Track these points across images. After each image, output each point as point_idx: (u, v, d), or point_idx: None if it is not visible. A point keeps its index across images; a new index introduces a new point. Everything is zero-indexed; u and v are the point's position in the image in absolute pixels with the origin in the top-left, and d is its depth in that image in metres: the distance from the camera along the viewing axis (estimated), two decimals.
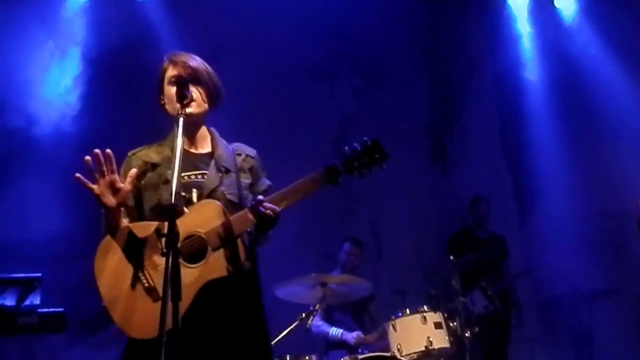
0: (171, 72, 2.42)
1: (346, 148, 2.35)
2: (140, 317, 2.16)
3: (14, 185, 5.30)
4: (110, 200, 2.17)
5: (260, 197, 2.27)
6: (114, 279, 2.21)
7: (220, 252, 2.21)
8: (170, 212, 1.93)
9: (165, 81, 2.43)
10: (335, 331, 4.76)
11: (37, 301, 3.13)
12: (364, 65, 6.97)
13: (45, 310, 3.16)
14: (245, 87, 6.04)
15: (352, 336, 4.66)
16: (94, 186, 2.16)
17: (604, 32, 6.45)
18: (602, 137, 6.37)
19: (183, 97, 2.23)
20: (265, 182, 2.54)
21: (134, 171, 2.26)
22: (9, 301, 3.05)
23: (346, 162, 2.32)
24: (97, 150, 2.15)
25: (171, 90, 2.36)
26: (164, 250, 1.86)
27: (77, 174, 2.15)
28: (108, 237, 2.26)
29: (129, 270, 2.20)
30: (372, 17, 6.58)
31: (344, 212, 6.51)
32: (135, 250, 2.22)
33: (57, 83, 5.70)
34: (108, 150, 2.18)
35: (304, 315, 4.30)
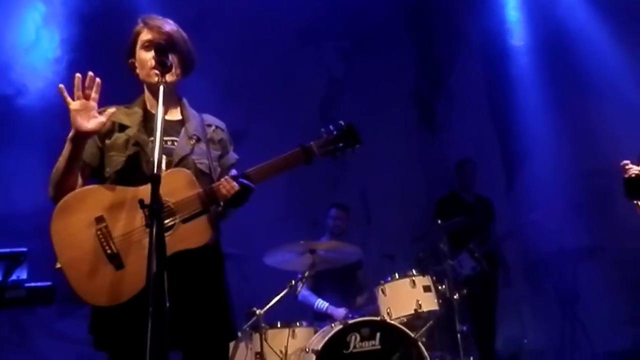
0: (145, 36, 2.37)
1: (322, 130, 2.42)
2: (99, 283, 2.12)
3: None
4: (84, 124, 2.13)
5: (234, 171, 2.27)
6: (72, 240, 2.14)
7: (191, 223, 2.19)
8: (153, 182, 1.91)
9: (139, 45, 2.38)
10: (320, 303, 4.79)
11: (24, 276, 3.11)
12: (351, 30, 6.89)
13: (33, 284, 3.14)
14: (232, 51, 5.97)
15: (339, 313, 4.66)
16: (72, 101, 2.13)
17: None
18: (588, 98, 6.36)
19: (163, 65, 2.19)
20: (234, 156, 2.53)
21: (111, 110, 2.22)
22: None
23: (322, 145, 2.38)
24: (90, 73, 2.15)
25: (144, 55, 2.34)
26: (148, 221, 1.84)
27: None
28: (71, 195, 2.19)
29: (89, 232, 2.14)
30: None
31: (332, 178, 6.51)
32: (98, 211, 2.17)
33: (42, 52, 5.56)
34: (97, 79, 2.17)
35: (293, 282, 4.32)
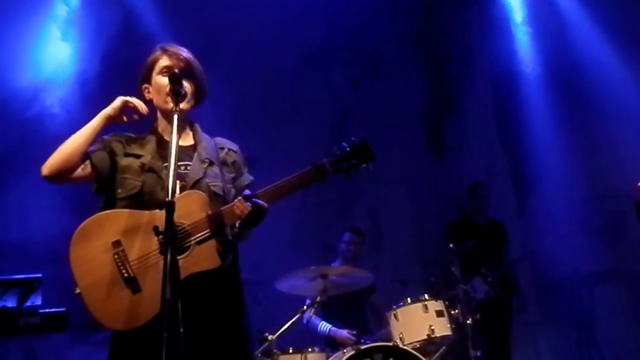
0: (164, 62, 2.42)
1: (335, 147, 2.38)
2: (117, 307, 2.13)
3: (15, 185, 5.29)
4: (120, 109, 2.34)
5: (248, 191, 2.27)
6: (90, 265, 2.16)
7: (205, 244, 2.20)
8: (168, 209, 1.93)
9: (156, 70, 2.43)
10: (324, 326, 4.75)
11: (38, 302, 3.12)
12: (360, 54, 6.96)
13: (47, 310, 3.16)
14: (242, 78, 6.05)
15: (341, 334, 4.60)
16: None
17: (599, 14, 6.42)
18: (598, 119, 6.36)
19: (177, 94, 2.23)
20: (248, 177, 2.54)
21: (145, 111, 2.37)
22: (10, 302, 3.04)
23: (334, 162, 2.34)
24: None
25: (161, 80, 2.39)
26: (162, 248, 1.86)
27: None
28: (88, 221, 2.22)
29: (106, 257, 2.16)
30: (368, 6, 6.57)
31: (343, 202, 6.52)
32: (116, 235, 2.19)
33: (62, 79, 5.68)
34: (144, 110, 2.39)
35: (305, 307, 4.31)
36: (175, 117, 2.18)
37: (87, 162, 2.33)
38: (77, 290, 2.17)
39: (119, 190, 2.32)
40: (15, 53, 5.47)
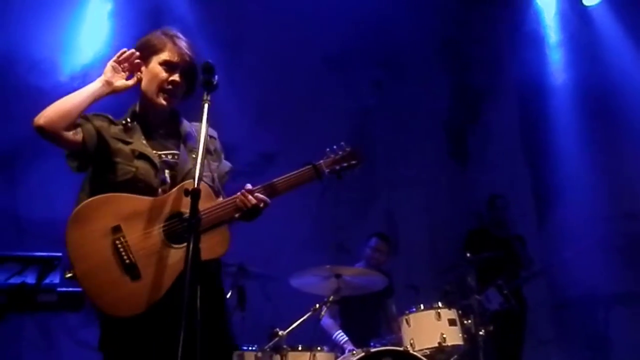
0: (169, 55, 2.38)
1: (327, 150, 2.52)
2: (116, 294, 2.12)
3: (41, 164, 5.36)
4: (112, 77, 2.34)
5: (249, 185, 2.29)
6: (88, 249, 2.14)
7: (209, 234, 2.20)
8: (193, 196, 1.95)
9: (158, 59, 2.38)
10: (339, 336, 4.72)
11: (56, 280, 3.16)
12: (384, 58, 6.94)
13: (65, 289, 3.20)
14: (266, 75, 6.06)
15: (349, 350, 4.54)
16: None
17: (633, 30, 6.34)
18: (625, 138, 6.29)
19: (209, 84, 2.22)
20: (227, 164, 2.55)
21: (138, 76, 2.37)
22: (30, 279, 3.08)
23: (329, 164, 2.48)
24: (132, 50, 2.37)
25: (159, 71, 2.36)
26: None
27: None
28: (86, 204, 2.21)
29: (105, 242, 2.14)
30: (395, 9, 6.55)
31: (360, 203, 6.50)
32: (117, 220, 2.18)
33: (81, 65, 5.74)
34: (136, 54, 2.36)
35: (317, 306, 4.31)
36: (206, 106, 2.18)
37: (78, 129, 2.29)
38: (69, 274, 2.15)
39: (111, 175, 2.29)
40: (47, 33, 5.53)
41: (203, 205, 2.18)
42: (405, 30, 6.71)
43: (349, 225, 6.17)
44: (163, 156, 2.34)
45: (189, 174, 2.30)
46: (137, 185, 2.26)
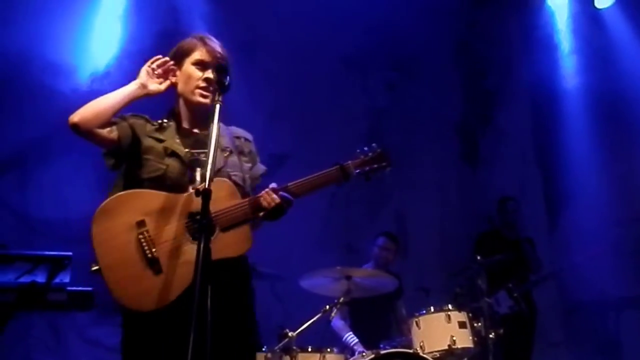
0: (201, 55, 2.44)
1: (357, 151, 2.49)
2: (138, 288, 2.13)
3: (52, 162, 5.39)
4: (147, 81, 2.38)
5: (274, 184, 2.29)
6: (113, 243, 2.16)
7: (228, 233, 2.21)
8: (204, 197, 1.95)
9: (191, 59, 2.44)
10: (350, 337, 4.71)
11: (66, 279, 3.15)
12: (398, 60, 6.93)
13: (75, 288, 3.19)
14: (280, 75, 6.07)
15: (360, 352, 4.53)
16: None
17: None
18: (636, 142, 6.23)
19: (222, 85, 2.25)
20: (262, 167, 2.57)
21: (173, 79, 2.41)
22: (40, 277, 3.08)
23: (357, 165, 2.45)
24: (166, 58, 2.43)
25: (193, 72, 2.41)
26: (193, 232, 1.88)
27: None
28: (112, 199, 2.23)
29: (130, 236, 2.17)
30: (408, 11, 6.53)
31: (371, 205, 6.49)
32: (140, 216, 2.20)
33: (95, 66, 5.76)
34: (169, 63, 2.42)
35: (327, 307, 4.30)
36: (217, 107, 2.20)
37: (114, 127, 2.34)
38: (95, 267, 2.16)
39: (141, 172, 2.33)
40: (60, 34, 5.56)
41: (226, 203, 2.22)
42: (419, 33, 6.70)
43: (360, 227, 6.16)
44: (195, 154, 2.36)
45: (218, 173, 2.33)
46: (165, 183, 2.29)
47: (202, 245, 1.84)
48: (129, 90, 2.36)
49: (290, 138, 5.94)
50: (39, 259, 3.12)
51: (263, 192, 2.27)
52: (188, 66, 2.43)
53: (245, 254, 2.36)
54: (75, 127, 2.28)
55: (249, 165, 2.49)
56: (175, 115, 2.48)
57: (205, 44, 2.45)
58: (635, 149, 6.23)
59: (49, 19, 5.48)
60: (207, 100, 2.38)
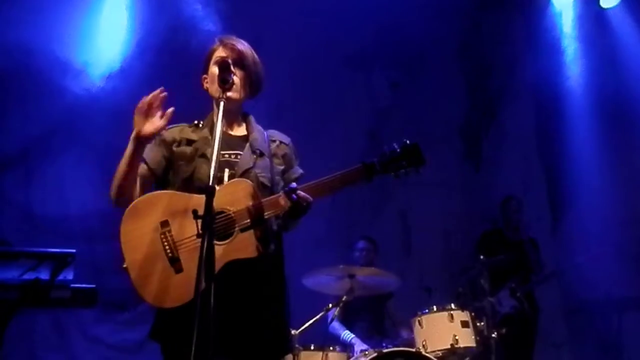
0: (220, 53, 2.47)
1: (385, 147, 2.35)
2: (158, 285, 2.19)
3: (55, 159, 5.40)
4: (142, 125, 2.21)
5: (294, 184, 2.28)
6: (138, 241, 2.23)
7: (248, 232, 2.22)
8: (208, 194, 1.96)
9: (212, 61, 2.48)
10: (347, 335, 4.72)
11: (70, 276, 3.18)
12: (402, 58, 6.92)
13: (78, 285, 3.22)
14: (282, 75, 6.05)
15: (360, 345, 4.57)
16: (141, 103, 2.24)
17: None
18: None
19: (225, 81, 2.27)
20: (298, 171, 2.56)
21: (170, 110, 2.28)
22: (44, 275, 3.10)
23: (384, 163, 2.32)
24: (161, 89, 2.28)
25: (215, 71, 2.42)
26: (200, 232, 1.90)
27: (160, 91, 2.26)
28: (140, 200, 2.28)
29: (154, 236, 2.23)
30: (413, 10, 6.52)
31: (374, 205, 6.49)
32: (163, 215, 2.24)
33: (97, 65, 5.76)
34: (164, 94, 2.27)
35: (330, 305, 4.30)
36: (221, 104, 2.22)
37: (142, 164, 2.36)
38: (125, 264, 2.23)
39: (174, 177, 2.40)
40: (66, 31, 5.56)
41: (245, 203, 2.23)
42: (424, 32, 6.69)
43: (363, 226, 6.16)
44: (226, 156, 2.38)
45: (246, 173, 2.35)
46: (194, 184, 2.32)
47: (204, 243, 1.84)
48: (129, 149, 2.29)
49: (294, 137, 5.92)
50: (42, 256, 3.14)
51: (281, 192, 2.27)
52: (212, 67, 2.46)
53: (277, 254, 2.38)
54: (118, 206, 2.32)
55: (281, 167, 2.49)
56: (210, 118, 2.50)
57: (222, 42, 2.49)
58: (638, 148, 6.21)
59: (51, 14, 5.49)
60: (227, 94, 2.31)
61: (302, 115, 6.18)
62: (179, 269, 2.20)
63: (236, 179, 2.30)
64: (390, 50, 6.81)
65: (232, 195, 2.20)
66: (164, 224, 2.24)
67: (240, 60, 2.43)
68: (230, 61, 2.35)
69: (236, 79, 2.39)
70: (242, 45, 2.49)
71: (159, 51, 5.66)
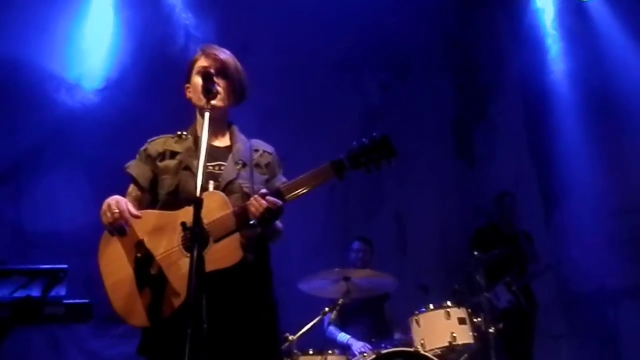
0: (202, 62, 2.46)
1: (354, 143, 2.27)
2: (138, 305, 2.19)
3: (45, 174, 5.36)
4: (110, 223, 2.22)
5: (263, 190, 2.26)
6: (116, 264, 2.24)
7: (222, 243, 2.21)
8: (195, 206, 1.95)
9: (194, 70, 2.47)
10: (342, 337, 4.71)
11: (62, 292, 3.14)
12: (390, 59, 6.93)
13: (71, 301, 3.18)
14: (272, 80, 6.06)
15: (357, 345, 4.57)
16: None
17: (632, 25, 6.31)
18: (629, 133, 6.25)
19: (209, 91, 2.27)
20: (281, 179, 2.54)
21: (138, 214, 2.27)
22: (35, 292, 3.07)
23: (352, 157, 2.24)
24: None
25: (197, 80, 2.42)
26: (187, 244, 1.88)
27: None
28: None
29: (131, 256, 2.24)
30: (400, 11, 6.54)
31: (369, 206, 6.49)
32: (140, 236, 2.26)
33: (88, 79, 5.74)
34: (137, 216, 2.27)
35: (326, 309, 4.30)
36: (206, 114, 2.21)
37: (135, 188, 2.41)
38: (106, 289, 2.26)
39: (160, 191, 2.40)
40: (52, 44, 5.53)
41: (218, 213, 2.21)
42: (411, 32, 6.71)
43: (358, 228, 6.15)
44: (210, 167, 2.35)
45: (230, 185, 2.34)
46: (179, 197, 2.32)
47: (194, 255, 1.83)
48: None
49: (286, 140, 5.87)
50: (34, 273, 3.10)
51: (251, 199, 2.24)
52: (194, 77, 2.45)
53: (260, 263, 2.35)
54: None
55: (265, 177, 2.48)
56: (193, 129, 2.50)
57: (204, 51, 2.49)
58: (626, 139, 6.25)
59: (39, 26, 5.46)
60: (212, 103, 2.31)
61: (293, 119, 6.18)
62: (155, 287, 2.20)
63: (208, 192, 2.26)
64: (379, 51, 6.82)
65: (205, 208, 2.13)
66: (139, 243, 2.25)
67: (223, 69, 2.43)
68: (213, 71, 2.35)
69: (220, 88, 2.38)
70: (224, 54, 2.49)
71: (150, 63, 5.65)
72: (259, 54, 6.08)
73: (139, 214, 2.26)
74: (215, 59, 2.44)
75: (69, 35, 5.65)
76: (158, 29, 5.86)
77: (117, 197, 2.30)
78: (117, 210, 2.21)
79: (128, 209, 2.23)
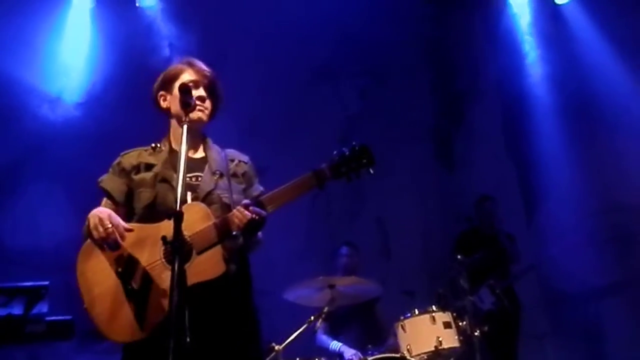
0: (190, 76, 2.47)
1: (334, 152, 2.34)
2: (120, 320, 2.17)
3: (25, 190, 5.30)
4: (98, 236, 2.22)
5: (246, 201, 2.27)
6: (95, 279, 2.22)
7: (205, 256, 2.20)
8: (176, 219, 1.94)
9: (179, 82, 2.44)
10: (334, 345, 4.70)
11: (44, 309, 3.12)
12: (368, 66, 6.96)
13: (54, 318, 3.15)
14: (251, 89, 6.06)
15: (349, 352, 4.56)
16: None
17: (606, 28, 6.41)
18: (606, 134, 6.34)
19: (187, 105, 2.27)
20: (259, 188, 2.55)
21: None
22: (17, 310, 3.04)
23: (334, 167, 2.30)
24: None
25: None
26: (169, 257, 1.87)
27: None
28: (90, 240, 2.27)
29: (110, 272, 2.22)
30: (376, 17, 6.58)
31: (351, 213, 6.50)
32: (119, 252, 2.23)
33: (65, 91, 5.69)
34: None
35: (312, 318, 4.29)
36: (185, 127, 2.21)
37: (109, 202, 2.39)
38: (85, 306, 2.23)
39: (136, 205, 2.38)
40: (29, 57, 5.48)
41: (200, 225, 2.21)
42: (388, 39, 6.75)
43: (341, 235, 6.15)
44: (187, 179, 2.34)
45: (209, 196, 2.34)
46: (157, 209, 2.31)
47: (176, 268, 1.82)
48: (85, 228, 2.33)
49: (267, 150, 5.91)
50: (14, 291, 3.09)
51: (234, 210, 2.24)
52: (177, 88, 2.43)
53: (241, 273, 2.34)
54: None
55: (242, 186, 2.48)
56: (168, 139, 2.50)
57: (191, 65, 2.50)
58: (603, 140, 6.33)
59: (17, 38, 5.42)
60: (200, 116, 2.40)
61: (273, 127, 6.18)
62: (137, 302, 2.18)
63: (189, 204, 2.27)
64: (356, 58, 6.85)
65: (187, 220, 2.12)
66: (119, 258, 2.22)
67: (211, 85, 2.47)
68: (202, 87, 2.41)
69: (208, 104, 2.42)
70: (211, 72, 2.52)
71: (133, 75, 5.61)
72: (237, 61, 6.09)
73: (132, 228, 2.25)
74: (205, 75, 2.47)
75: (48, 49, 5.61)
76: (138, 40, 5.84)
77: (106, 210, 2.29)
78: (109, 225, 2.19)
79: (121, 223, 2.23)
